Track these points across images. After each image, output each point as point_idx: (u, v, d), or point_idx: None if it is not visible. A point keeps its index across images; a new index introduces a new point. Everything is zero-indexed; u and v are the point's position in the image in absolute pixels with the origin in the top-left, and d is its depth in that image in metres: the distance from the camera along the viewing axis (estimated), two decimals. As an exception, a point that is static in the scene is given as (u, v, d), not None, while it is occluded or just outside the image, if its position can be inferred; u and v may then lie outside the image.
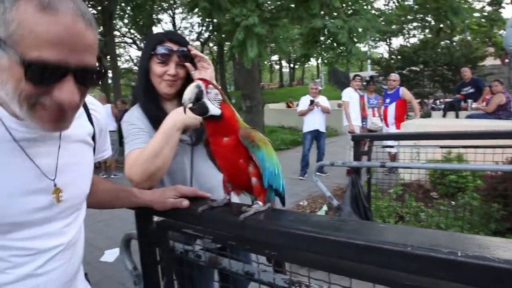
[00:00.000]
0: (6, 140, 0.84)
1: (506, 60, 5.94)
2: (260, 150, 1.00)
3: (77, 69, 0.77)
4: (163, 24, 34.52)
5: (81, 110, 1.05)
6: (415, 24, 34.39)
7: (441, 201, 4.22)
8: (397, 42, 41.54)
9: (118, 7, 21.64)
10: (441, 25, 24.54)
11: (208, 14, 9.38)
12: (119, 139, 8.45)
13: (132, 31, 30.34)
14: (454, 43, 20.49)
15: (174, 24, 33.99)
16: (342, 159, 5.06)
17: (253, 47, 8.55)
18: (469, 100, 8.25)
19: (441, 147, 3.45)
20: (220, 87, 1.06)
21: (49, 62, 0.73)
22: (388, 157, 5.95)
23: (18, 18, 0.72)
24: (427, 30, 32.17)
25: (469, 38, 23.02)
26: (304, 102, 7.48)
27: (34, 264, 0.90)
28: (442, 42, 20.64)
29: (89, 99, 1.12)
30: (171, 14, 33.37)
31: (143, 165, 1.32)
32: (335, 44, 10.22)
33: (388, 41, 41.40)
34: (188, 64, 1.54)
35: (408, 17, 30.53)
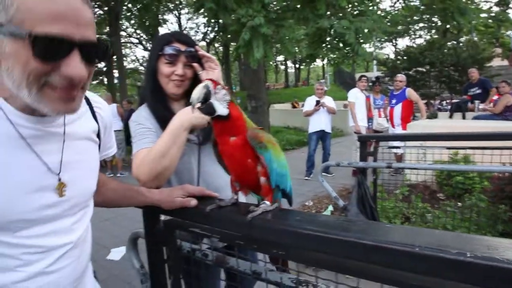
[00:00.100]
0: (14, 138, 0.85)
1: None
2: (267, 151, 1.01)
3: (81, 44, 0.78)
4: (169, 25, 34.63)
5: (85, 107, 1.07)
6: (421, 24, 34.23)
7: (448, 202, 4.20)
8: (403, 42, 41.39)
9: (124, 7, 21.75)
10: (448, 26, 24.38)
11: (214, 14, 9.40)
12: (126, 138, 8.49)
13: (138, 31, 30.47)
14: (461, 44, 20.38)
15: (180, 25, 34.10)
16: (347, 160, 5.05)
17: (259, 48, 8.55)
18: (476, 101, 8.19)
19: (448, 148, 3.43)
20: (227, 87, 1.07)
21: (54, 35, 0.74)
22: (394, 158, 5.93)
23: (18, 1, 0.73)
24: (433, 31, 32.01)
25: (476, 38, 22.86)
26: (310, 103, 7.47)
27: (44, 262, 0.91)
28: (448, 43, 20.53)
29: (93, 97, 1.13)
30: (177, 14, 33.49)
31: (151, 165, 1.33)
32: (341, 45, 10.20)
33: (394, 41, 41.25)
34: (195, 65, 1.54)
35: (414, 17, 30.39)
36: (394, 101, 7.18)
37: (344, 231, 0.80)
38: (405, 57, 19.37)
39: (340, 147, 10.37)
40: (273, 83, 49.51)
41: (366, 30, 9.55)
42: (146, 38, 30.76)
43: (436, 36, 26.95)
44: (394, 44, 41.61)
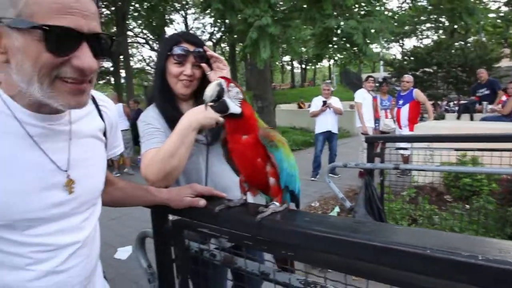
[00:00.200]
0: (21, 136, 0.86)
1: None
2: (278, 150, 1.01)
3: (89, 36, 0.80)
4: (176, 25, 34.75)
5: (92, 106, 1.07)
6: (428, 25, 34.00)
7: (455, 204, 4.17)
8: (410, 43, 41.16)
9: (131, 7, 21.85)
10: (455, 26, 24.20)
11: (221, 15, 9.41)
12: (133, 138, 8.55)
13: (144, 31, 30.59)
14: (469, 44, 20.24)
15: (186, 25, 34.19)
16: (354, 161, 5.03)
17: (266, 48, 8.55)
18: (484, 102, 8.11)
19: (456, 149, 3.41)
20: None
21: (64, 27, 0.76)
22: (401, 159, 5.90)
23: None
24: (440, 31, 31.79)
25: (484, 39, 22.68)
26: (316, 103, 7.45)
27: (54, 261, 0.92)
28: (456, 43, 20.40)
29: (99, 96, 1.14)
30: (184, 14, 33.58)
31: (159, 165, 1.33)
32: (348, 45, 10.17)
33: (401, 42, 41.03)
34: (204, 65, 1.55)
35: (422, 18, 30.18)
36: (401, 102, 7.13)
37: (353, 232, 0.80)
38: (412, 58, 19.29)
39: (346, 148, 10.33)
40: (279, 84, 49.45)
41: (373, 31, 9.52)
42: (153, 38, 30.87)
43: (443, 37, 26.79)
44: (401, 44, 41.39)
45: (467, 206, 4.14)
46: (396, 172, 5.26)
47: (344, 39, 10.00)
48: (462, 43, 21.38)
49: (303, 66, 51.57)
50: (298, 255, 0.95)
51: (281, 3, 10.24)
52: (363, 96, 7.13)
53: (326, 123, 7.30)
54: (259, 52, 8.64)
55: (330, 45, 10.60)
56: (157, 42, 30.23)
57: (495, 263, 0.63)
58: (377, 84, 8.84)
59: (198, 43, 1.55)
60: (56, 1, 0.75)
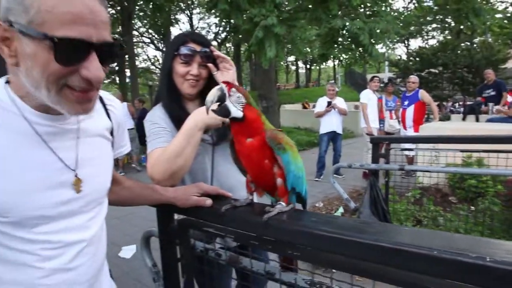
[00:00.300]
0: (30, 134, 0.87)
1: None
2: (286, 153, 1.02)
3: (99, 45, 0.80)
4: (181, 25, 34.83)
5: (99, 105, 1.08)
6: (434, 25, 33.85)
7: (460, 206, 4.16)
8: (415, 43, 41.00)
9: (137, 7, 21.92)
10: (461, 27, 24.08)
11: (227, 15, 9.43)
12: (139, 137, 8.62)
13: (150, 30, 30.68)
14: (475, 45, 20.13)
15: (191, 25, 34.25)
16: (358, 161, 5.03)
17: (271, 47, 8.56)
18: (490, 104, 8.06)
19: (462, 151, 3.39)
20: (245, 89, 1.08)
21: (74, 38, 0.75)
22: (405, 160, 5.88)
23: (37, 2, 0.74)
24: (446, 32, 31.64)
25: (490, 40, 22.54)
26: (321, 104, 7.44)
27: (63, 259, 0.93)
28: (462, 44, 20.29)
29: (106, 95, 1.14)
30: (189, 14, 33.64)
31: (165, 164, 1.34)
32: (353, 45, 10.16)
33: (406, 42, 40.87)
34: (210, 65, 1.56)
35: (427, 18, 30.06)
36: (406, 103, 7.11)
37: (360, 233, 0.80)
38: (417, 58, 19.20)
39: (350, 148, 10.32)
40: (284, 84, 49.36)
41: (378, 31, 9.50)
42: (158, 37, 30.97)
43: (449, 37, 26.65)
44: (406, 45, 41.22)
45: (472, 207, 4.12)
46: (401, 173, 5.25)
47: (350, 39, 9.99)
48: (468, 43, 21.28)
49: (308, 66, 51.48)
50: (304, 255, 0.95)
51: (286, 3, 10.24)
52: (368, 97, 7.11)
53: (331, 123, 7.29)
54: (265, 51, 8.64)
55: (336, 45, 10.59)
56: (162, 41, 30.33)
57: (503, 264, 0.63)
58: (381, 85, 8.81)
59: (204, 43, 1.56)
60: (67, 10, 0.75)
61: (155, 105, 1.64)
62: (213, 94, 0.99)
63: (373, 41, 9.70)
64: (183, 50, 1.51)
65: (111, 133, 1.13)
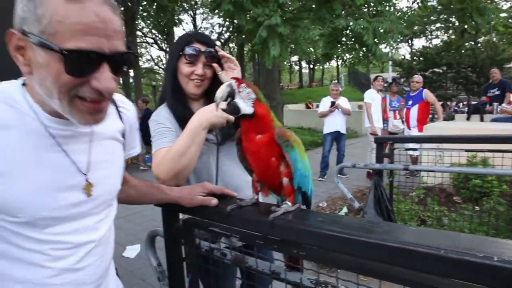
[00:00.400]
0: (45, 137, 0.87)
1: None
2: (293, 150, 1.02)
3: (110, 56, 0.79)
4: (184, 25, 34.86)
5: (111, 107, 1.07)
6: (438, 25, 33.72)
7: (465, 206, 4.14)
8: (419, 43, 40.85)
9: (140, 7, 21.96)
10: (465, 26, 23.97)
11: (231, 15, 9.44)
12: (142, 136, 8.63)
13: (153, 31, 30.74)
14: (479, 45, 20.03)
15: (195, 25, 34.29)
16: (362, 161, 5.01)
17: (275, 46, 8.57)
18: (495, 103, 8.02)
19: (467, 150, 3.38)
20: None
21: (86, 50, 0.75)
22: (409, 159, 5.86)
23: (49, 12, 0.74)
24: (450, 31, 31.51)
25: (495, 39, 22.42)
26: (325, 104, 7.43)
27: (71, 259, 0.94)
28: (466, 44, 20.20)
29: (118, 97, 1.14)
30: (192, 14, 33.69)
31: (170, 164, 1.34)
32: (357, 45, 10.14)
33: (410, 42, 40.74)
34: (215, 65, 1.56)
35: (431, 18, 29.94)
36: (410, 103, 7.09)
37: (367, 232, 0.80)
38: (421, 58, 19.13)
39: (354, 148, 10.30)
40: (287, 83, 49.31)
41: (382, 31, 9.48)
42: (161, 38, 31.02)
43: (453, 37, 26.54)
44: (410, 44, 41.09)
45: (477, 207, 4.10)
46: (405, 172, 5.22)
47: (353, 39, 9.98)
48: (473, 43, 21.18)
49: (311, 66, 51.42)
50: (310, 254, 0.95)
51: (289, 3, 10.24)
52: (372, 96, 7.09)
53: (334, 123, 7.28)
54: (268, 50, 8.65)
55: (339, 45, 10.58)
56: (165, 41, 30.38)
57: (511, 264, 0.63)
58: (385, 85, 8.80)
59: (209, 43, 1.56)
60: (80, 22, 0.74)
61: (160, 105, 1.64)
62: (222, 90, 0.99)
63: (377, 41, 9.68)
64: (188, 50, 1.51)
65: (123, 135, 1.13)
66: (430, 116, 10.90)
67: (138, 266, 3.86)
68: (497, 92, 8.17)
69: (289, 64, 53.39)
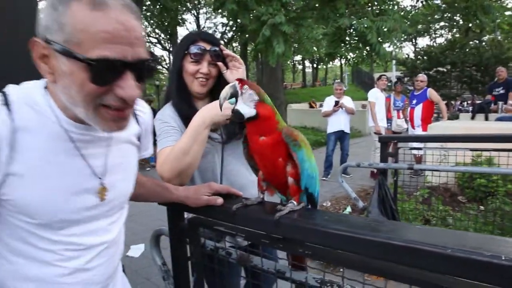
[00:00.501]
0: (65, 140, 0.88)
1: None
2: (301, 150, 1.02)
3: (134, 63, 0.79)
4: (188, 24, 34.93)
5: None
6: (442, 23, 33.59)
7: (470, 205, 4.12)
8: (423, 42, 40.72)
9: (144, 7, 22.00)
10: (470, 25, 23.84)
11: (234, 15, 9.45)
12: None
13: (156, 30, 30.77)
14: (484, 43, 19.93)
15: (198, 24, 34.32)
16: (366, 161, 5.00)
17: (279, 44, 8.57)
18: (500, 102, 7.97)
19: (472, 149, 3.36)
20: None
21: (110, 59, 0.75)
22: (413, 159, 5.84)
23: (73, 21, 0.74)
24: (454, 30, 31.38)
25: (499, 38, 22.28)
26: (328, 103, 7.42)
27: (82, 259, 0.95)
28: (470, 42, 20.11)
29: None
30: (195, 14, 33.71)
31: (173, 163, 1.35)
32: (360, 44, 10.12)
33: (414, 41, 40.59)
34: (220, 64, 1.56)
35: (435, 16, 29.84)
36: (414, 102, 7.06)
37: (373, 231, 0.79)
38: (425, 57, 19.06)
39: (357, 147, 10.28)
40: (291, 83, 49.23)
41: (386, 30, 9.45)
42: (165, 37, 31.05)
43: (457, 35, 26.41)
44: (414, 43, 40.94)
45: (482, 207, 4.08)
46: (409, 172, 5.22)
47: (357, 38, 9.95)
48: (477, 42, 21.08)
49: (315, 65, 51.33)
50: (316, 253, 0.95)
51: (293, 2, 10.23)
52: (376, 96, 7.07)
53: (338, 122, 7.27)
54: (272, 49, 8.65)
55: (343, 44, 10.56)
56: (169, 41, 30.41)
57: (518, 263, 0.63)
58: (389, 84, 8.77)
59: (214, 42, 1.57)
60: (104, 30, 0.74)
61: (165, 104, 1.65)
62: (226, 91, 1.01)
63: (381, 40, 9.65)
64: (193, 49, 1.52)
65: (138, 138, 1.14)
66: (435, 115, 10.85)
67: (143, 265, 3.88)
68: (502, 91, 8.10)
69: (292, 63, 53.35)
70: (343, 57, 12.21)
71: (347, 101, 7.37)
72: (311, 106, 20.85)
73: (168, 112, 1.58)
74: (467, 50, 18.11)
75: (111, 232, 1.03)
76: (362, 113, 12.81)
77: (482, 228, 3.53)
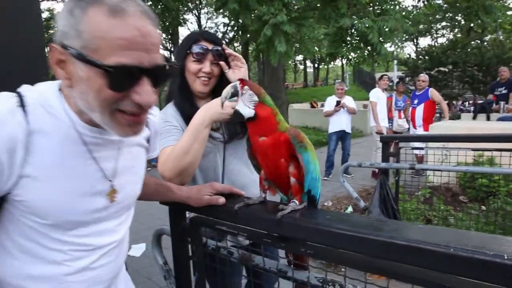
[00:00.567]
0: (78, 144, 0.89)
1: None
2: (307, 152, 1.02)
3: (150, 69, 0.79)
4: (189, 24, 34.94)
5: None
6: (444, 23, 33.53)
7: (471, 205, 4.11)
8: (424, 42, 40.66)
9: (146, 7, 21.99)
10: (472, 25, 23.78)
11: (236, 15, 9.46)
12: None
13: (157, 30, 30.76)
14: (485, 43, 19.89)
15: (199, 24, 34.32)
16: (367, 160, 5.00)
17: (281, 43, 8.57)
18: (502, 102, 7.95)
19: (474, 149, 3.36)
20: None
21: (127, 66, 0.75)
22: (415, 159, 5.83)
23: (91, 27, 0.74)
24: (456, 30, 31.32)
25: (501, 37, 22.23)
26: (330, 103, 7.41)
27: (89, 259, 0.97)
28: (472, 42, 20.07)
29: None
30: (197, 14, 33.72)
31: (174, 162, 1.35)
32: (362, 44, 10.11)
33: (415, 41, 40.53)
34: (222, 63, 1.56)
35: (437, 16, 29.77)
36: (416, 102, 7.06)
37: (376, 230, 0.79)
38: (426, 57, 19.02)
39: (359, 147, 10.27)
40: (292, 83, 49.22)
41: (387, 29, 9.45)
42: (166, 37, 31.06)
43: (459, 35, 26.36)
44: (416, 43, 40.88)
45: (483, 207, 4.07)
46: (410, 172, 5.21)
47: (358, 38, 9.95)
48: (479, 42, 21.04)
49: (316, 65, 51.30)
50: (318, 253, 0.95)
51: (294, 2, 10.23)
52: (377, 95, 7.07)
53: (340, 122, 7.27)
54: (274, 48, 8.66)
55: (344, 44, 10.56)
56: (170, 41, 30.42)
57: (522, 262, 0.62)
58: (390, 84, 8.76)
59: (216, 41, 1.57)
60: (122, 37, 0.75)
61: (167, 103, 1.65)
62: (227, 91, 1.03)
63: (382, 40, 9.64)
64: (196, 48, 1.52)
65: (147, 140, 1.15)
66: (438, 115, 10.83)
67: (144, 265, 3.88)
68: (504, 91, 8.09)
69: (293, 63, 53.33)
70: (344, 57, 12.19)
71: (348, 101, 7.37)
72: (312, 106, 20.82)
73: (170, 111, 1.58)
74: (469, 50, 18.07)
75: (118, 233, 1.04)
76: (364, 113, 12.80)
77: (484, 228, 3.53)
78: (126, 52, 0.75)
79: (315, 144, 11.96)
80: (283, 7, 8.93)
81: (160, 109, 1.66)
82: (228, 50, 1.58)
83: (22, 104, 0.83)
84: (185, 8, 28.55)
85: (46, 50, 1.85)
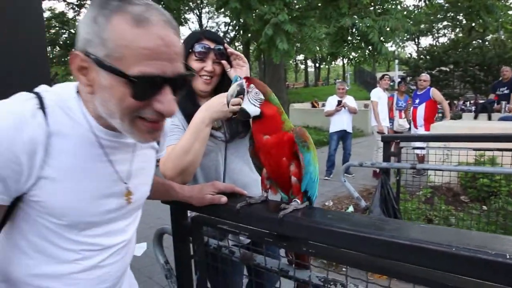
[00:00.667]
0: (95, 146, 0.90)
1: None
2: (309, 152, 1.03)
3: (173, 79, 0.79)
4: (190, 24, 34.92)
5: None
6: (445, 23, 33.49)
7: (472, 205, 4.11)
8: (426, 41, 40.62)
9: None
10: (473, 24, 23.74)
11: (237, 14, 9.46)
12: None
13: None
14: (487, 43, 19.85)
15: (200, 24, 34.34)
16: (368, 160, 5.00)
17: (283, 42, 8.58)
18: (503, 102, 7.94)
19: (475, 149, 3.36)
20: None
21: (151, 76, 0.75)
22: (416, 158, 5.83)
23: (115, 36, 0.74)
24: (457, 29, 31.28)
25: (503, 37, 22.18)
26: (331, 103, 7.41)
27: (98, 258, 0.98)
28: (474, 42, 20.04)
29: None
30: (198, 13, 33.73)
31: (175, 161, 1.36)
32: (363, 44, 10.11)
33: (416, 40, 40.50)
34: (224, 62, 1.57)
35: (438, 16, 29.74)
36: (417, 101, 7.06)
37: (377, 229, 0.79)
38: (428, 57, 18.99)
39: (360, 147, 10.27)
40: (293, 82, 49.24)
41: (388, 29, 9.45)
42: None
43: (460, 35, 26.32)
44: (417, 43, 40.85)
45: (484, 207, 4.07)
46: (412, 171, 5.21)
47: (359, 37, 9.95)
48: (480, 41, 21.01)
49: (317, 65, 51.29)
50: (320, 252, 0.95)
51: (295, 1, 10.23)
52: (378, 95, 7.07)
53: (341, 122, 7.27)
54: (276, 46, 8.67)
55: (345, 44, 10.56)
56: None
57: (524, 262, 0.62)
58: (391, 83, 8.76)
59: (218, 40, 1.57)
60: (146, 47, 0.75)
61: None
62: (233, 89, 1.02)
63: (383, 39, 9.64)
64: (198, 47, 1.52)
65: (158, 142, 1.16)
66: (439, 115, 10.82)
67: (145, 264, 3.88)
68: (506, 91, 8.06)
69: (294, 63, 53.32)
70: (345, 56, 12.21)
71: (349, 100, 7.36)
72: (313, 106, 20.82)
73: None
74: (470, 49, 18.06)
75: (127, 233, 1.06)
76: (365, 112, 12.80)
77: (485, 228, 3.53)
78: (150, 62, 0.75)
79: (316, 143, 11.95)
80: (285, 7, 8.95)
81: None
82: (230, 49, 1.58)
83: (42, 106, 0.84)
84: (186, 8, 28.53)
85: (47, 50, 1.85)
